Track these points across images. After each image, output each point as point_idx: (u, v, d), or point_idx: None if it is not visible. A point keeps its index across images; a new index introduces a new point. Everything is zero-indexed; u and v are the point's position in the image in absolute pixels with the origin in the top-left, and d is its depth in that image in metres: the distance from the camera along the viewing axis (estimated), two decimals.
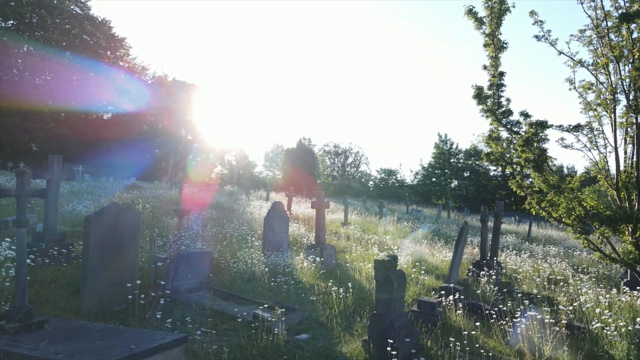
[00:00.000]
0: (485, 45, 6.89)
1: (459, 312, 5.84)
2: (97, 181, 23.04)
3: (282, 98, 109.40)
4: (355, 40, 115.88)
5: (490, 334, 5.38)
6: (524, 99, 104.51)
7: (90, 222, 5.34)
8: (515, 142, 6.64)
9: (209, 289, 6.51)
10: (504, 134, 6.96)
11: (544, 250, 13.06)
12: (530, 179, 6.92)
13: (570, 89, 6.72)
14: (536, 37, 6.55)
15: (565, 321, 5.39)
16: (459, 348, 4.34)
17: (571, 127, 6.38)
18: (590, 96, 6.63)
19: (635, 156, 6.11)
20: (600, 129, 6.53)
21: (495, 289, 6.91)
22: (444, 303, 6.06)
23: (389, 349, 3.97)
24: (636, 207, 6.04)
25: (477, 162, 51.76)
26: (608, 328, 4.95)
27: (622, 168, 6.31)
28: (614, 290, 6.32)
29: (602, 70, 6.40)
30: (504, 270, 9.18)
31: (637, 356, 4.70)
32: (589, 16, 6.43)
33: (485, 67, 6.98)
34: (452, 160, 55.22)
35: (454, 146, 55.83)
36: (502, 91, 6.82)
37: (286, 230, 9.48)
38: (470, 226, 11.65)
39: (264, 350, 4.35)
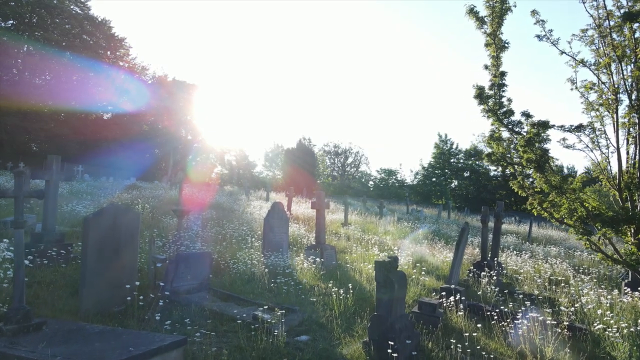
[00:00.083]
0: (487, 45, 6.86)
1: (459, 313, 5.81)
2: (97, 181, 22.99)
3: (282, 98, 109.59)
4: (356, 40, 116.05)
5: (492, 335, 5.35)
6: (523, 99, 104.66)
7: (89, 223, 5.31)
8: (516, 142, 6.61)
9: (208, 290, 6.48)
10: (506, 134, 6.94)
11: (545, 251, 13.03)
12: (532, 180, 6.89)
13: (572, 89, 6.70)
14: (538, 36, 6.53)
15: (567, 322, 5.36)
16: (460, 350, 4.32)
17: (573, 127, 6.36)
18: (592, 96, 6.62)
19: (637, 156, 6.10)
20: (602, 129, 6.52)
21: (496, 289, 6.88)
22: (444, 304, 6.02)
23: (389, 350, 3.94)
24: (638, 207, 6.02)
25: (477, 162, 51.76)
26: (610, 329, 4.92)
27: (624, 168, 6.29)
28: (616, 291, 6.30)
29: (604, 70, 6.39)
30: (504, 271, 9.15)
31: (639, 358, 4.67)
32: (591, 15, 6.42)
33: (486, 67, 6.96)
34: (452, 160, 55.24)
35: (454, 146, 55.91)
36: (503, 91, 6.80)
37: (286, 230, 9.45)
38: (471, 226, 11.60)
39: (263, 352, 4.32)
